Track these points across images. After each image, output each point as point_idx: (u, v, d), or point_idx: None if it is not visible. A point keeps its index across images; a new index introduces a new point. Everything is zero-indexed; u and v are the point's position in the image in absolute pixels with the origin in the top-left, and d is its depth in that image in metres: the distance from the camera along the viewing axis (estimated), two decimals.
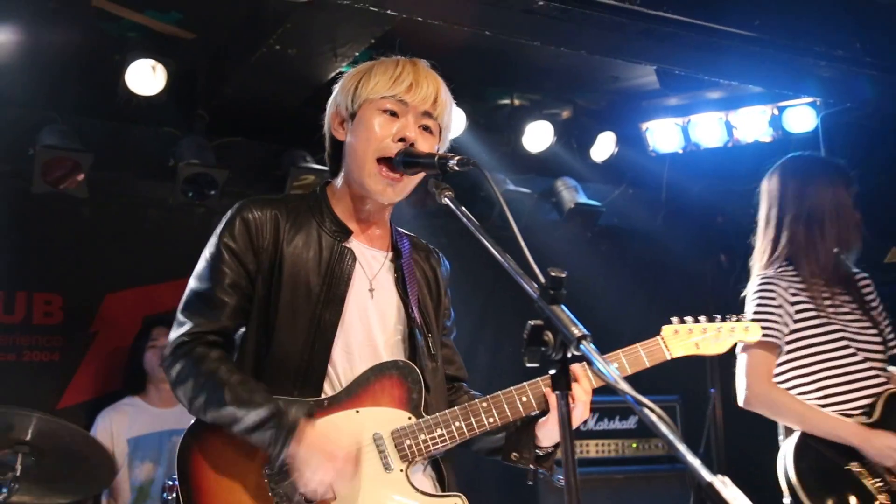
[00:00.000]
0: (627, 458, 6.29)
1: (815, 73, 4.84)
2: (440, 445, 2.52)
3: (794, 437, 3.73)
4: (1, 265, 5.51)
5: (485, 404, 2.57)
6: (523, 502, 5.78)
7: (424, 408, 2.57)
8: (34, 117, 5.49)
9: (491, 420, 2.55)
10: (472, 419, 2.54)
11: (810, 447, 3.69)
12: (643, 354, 2.76)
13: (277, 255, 2.56)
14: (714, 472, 1.36)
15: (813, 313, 3.80)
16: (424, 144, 2.57)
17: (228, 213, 2.62)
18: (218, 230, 2.60)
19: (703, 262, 7.79)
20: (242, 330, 2.59)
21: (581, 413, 2.54)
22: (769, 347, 3.76)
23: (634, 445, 6.31)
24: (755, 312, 3.80)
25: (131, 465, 5.21)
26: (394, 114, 2.57)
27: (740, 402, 3.83)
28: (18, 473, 4.00)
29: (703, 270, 7.80)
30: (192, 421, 2.52)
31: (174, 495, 4.09)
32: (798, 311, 3.80)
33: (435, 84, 2.62)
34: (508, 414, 2.57)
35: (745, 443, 7.19)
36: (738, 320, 3.00)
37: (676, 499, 6.11)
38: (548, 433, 2.61)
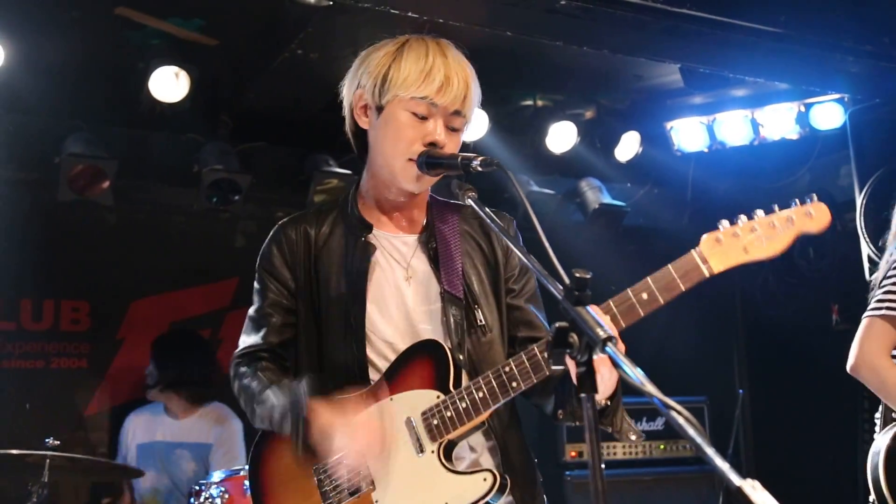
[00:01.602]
0: (655, 459, 6.25)
1: (843, 68, 4.78)
2: (465, 419, 2.43)
3: (891, 431, 3.43)
4: (28, 273, 5.56)
5: (507, 368, 2.41)
6: (550, 501, 5.75)
7: (457, 383, 2.49)
8: (58, 126, 5.54)
9: (514, 384, 2.40)
10: (496, 386, 2.41)
11: None
12: (676, 277, 2.37)
13: (312, 267, 2.63)
14: (743, 475, 1.33)
15: None
16: (451, 145, 2.54)
17: (265, 242, 2.73)
18: (258, 261, 2.73)
19: None
20: (294, 346, 2.69)
21: (609, 381, 2.30)
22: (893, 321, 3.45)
23: (662, 447, 6.27)
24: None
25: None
26: (423, 117, 2.51)
27: (848, 366, 3.51)
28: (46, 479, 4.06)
29: (729, 270, 7.72)
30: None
31: (200, 500, 4.11)
32: None
33: (465, 78, 2.53)
34: (532, 375, 2.39)
35: (774, 445, 7.13)
36: (797, 206, 2.37)
37: (705, 500, 6.06)
38: None
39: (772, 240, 2.34)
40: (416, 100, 2.49)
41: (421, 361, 2.53)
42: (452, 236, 2.69)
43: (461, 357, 2.54)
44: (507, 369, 2.42)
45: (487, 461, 2.59)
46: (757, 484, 1.30)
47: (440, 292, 2.60)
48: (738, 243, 2.33)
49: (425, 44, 2.55)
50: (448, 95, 2.49)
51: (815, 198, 2.37)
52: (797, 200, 2.37)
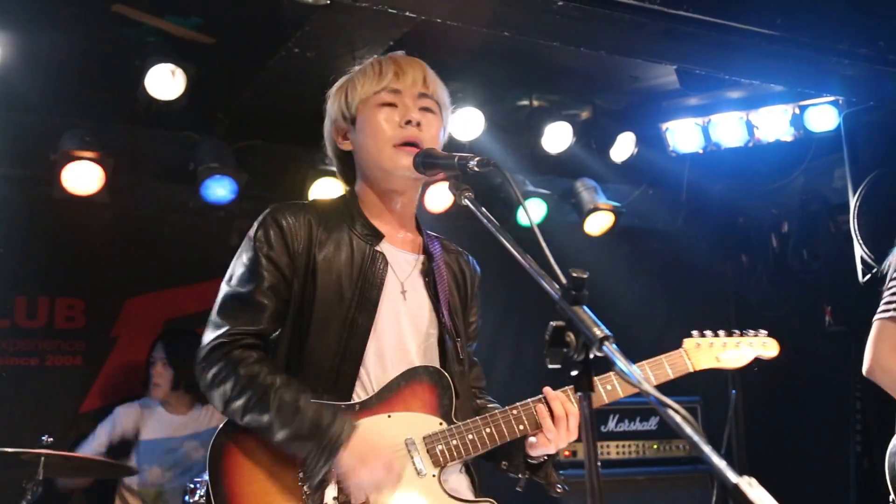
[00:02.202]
0: (648, 459, 6.25)
1: (838, 71, 4.79)
2: (471, 451, 2.55)
3: None
4: (23, 270, 5.55)
5: (515, 412, 2.61)
6: (543, 501, 5.75)
7: (454, 413, 2.59)
8: (55, 123, 5.52)
9: (521, 427, 2.60)
10: (504, 426, 2.58)
11: None
12: (667, 366, 2.87)
13: (311, 260, 2.57)
14: (736, 473, 1.34)
15: None
16: (431, 125, 2.62)
17: (261, 218, 2.62)
18: (252, 234, 2.60)
19: (724, 262, 7.74)
20: (276, 333, 2.60)
21: (564, 434, 2.61)
22: None
23: (655, 447, 6.28)
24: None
25: (139, 467, 5.21)
26: (392, 104, 2.61)
27: (863, 370, 3.64)
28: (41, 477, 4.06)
29: (723, 271, 7.75)
30: (224, 421, 2.51)
31: (195, 498, 4.10)
32: None
33: (419, 66, 2.68)
34: (537, 421, 2.61)
35: (766, 445, 7.16)
36: (755, 335, 3.12)
37: (698, 500, 6.07)
38: (537, 446, 2.65)
39: (737, 357, 3.08)
40: (378, 93, 2.61)
41: (421, 386, 2.57)
42: (444, 266, 2.77)
43: (457, 388, 2.62)
44: (514, 412, 2.61)
45: (465, 479, 2.66)
46: (753, 481, 1.31)
47: (438, 323, 2.65)
48: (712, 352, 3.01)
49: (373, 58, 2.73)
50: (406, 79, 2.62)
51: (764, 333, 3.16)
52: (752, 332, 3.14)
